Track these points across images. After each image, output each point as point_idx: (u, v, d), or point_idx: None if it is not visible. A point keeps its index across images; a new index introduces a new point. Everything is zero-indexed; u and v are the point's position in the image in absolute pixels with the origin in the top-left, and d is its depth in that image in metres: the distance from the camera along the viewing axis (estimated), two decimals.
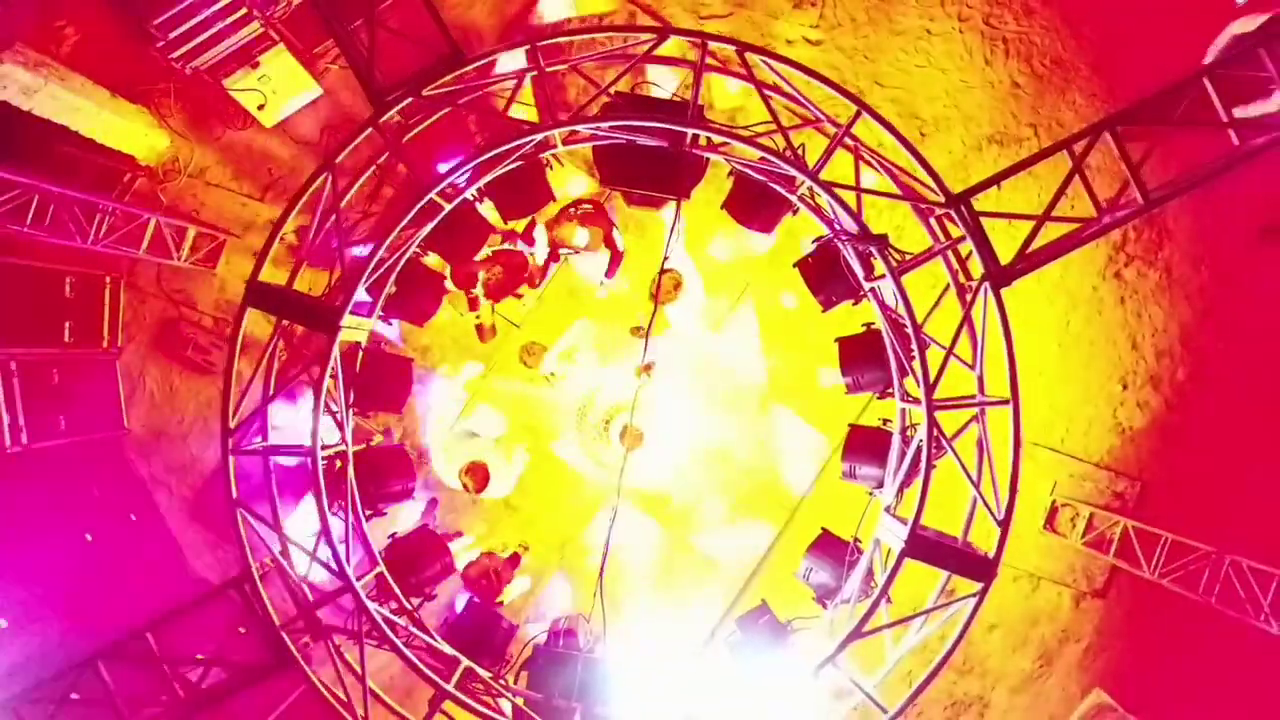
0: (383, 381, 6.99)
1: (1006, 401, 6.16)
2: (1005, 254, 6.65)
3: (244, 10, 10.27)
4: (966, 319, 6.09)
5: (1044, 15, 11.56)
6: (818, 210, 6.48)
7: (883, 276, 6.19)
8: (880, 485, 6.84)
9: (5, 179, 8.99)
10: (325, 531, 6.19)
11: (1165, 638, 11.29)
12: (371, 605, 6.17)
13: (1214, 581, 9.33)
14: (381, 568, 6.65)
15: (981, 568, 5.98)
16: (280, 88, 11.14)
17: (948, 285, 6.76)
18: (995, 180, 6.44)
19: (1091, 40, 11.55)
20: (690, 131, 6.26)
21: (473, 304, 8.45)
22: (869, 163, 6.79)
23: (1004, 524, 6.05)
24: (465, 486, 8.14)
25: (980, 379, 6.37)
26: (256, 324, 11.50)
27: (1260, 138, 6.04)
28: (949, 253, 6.25)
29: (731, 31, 11.82)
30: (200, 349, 11.55)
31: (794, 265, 7.13)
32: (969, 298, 6.15)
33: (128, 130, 11.13)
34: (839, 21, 11.81)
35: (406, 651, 6.12)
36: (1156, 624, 11.34)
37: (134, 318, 11.68)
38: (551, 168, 7.04)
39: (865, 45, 11.81)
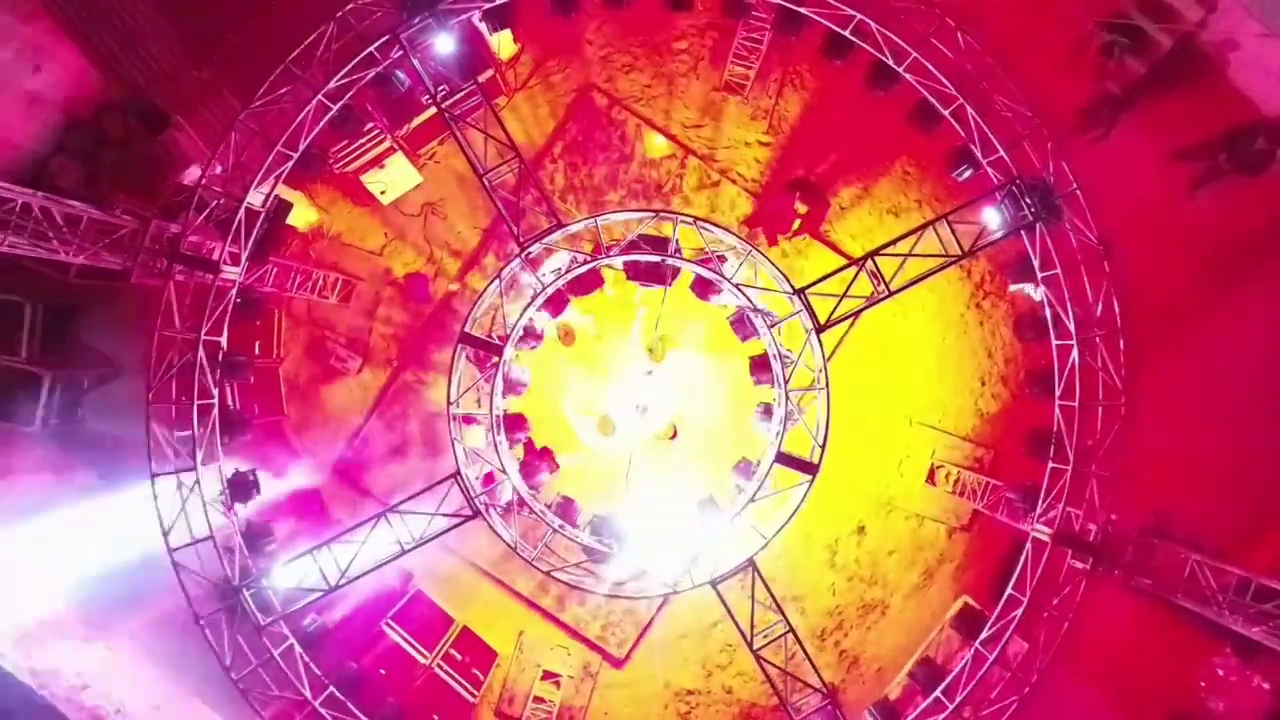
0: (514, 380, 16.42)
1: (824, 388, 15.35)
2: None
3: (382, 135, 19.53)
4: (806, 345, 15.38)
5: None
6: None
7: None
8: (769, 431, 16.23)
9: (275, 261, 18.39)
10: (496, 449, 15.56)
11: (1006, 558, 20.28)
12: (522, 489, 15.67)
13: (1000, 505, 18.53)
14: (517, 474, 16.17)
15: (810, 468, 15.26)
16: (396, 178, 20.48)
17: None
18: (823, 279, 15.72)
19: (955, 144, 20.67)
20: (669, 259, 15.62)
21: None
22: (766, 258, 16.08)
23: (822, 447, 15.36)
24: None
25: (817, 376, 15.65)
26: (381, 340, 20.95)
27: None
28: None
29: (706, 137, 21.16)
30: (339, 359, 20.83)
31: (727, 319, 16.43)
32: (807, 340, 15.42)
33: (294, 211, 20.28)
34: (783, 129, 21.09)
35: (539, 512, 15.55)
36: (1001, 549, 20.33)
37: (290, 337, 20.95)
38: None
39: (803, 145, 21.04)
